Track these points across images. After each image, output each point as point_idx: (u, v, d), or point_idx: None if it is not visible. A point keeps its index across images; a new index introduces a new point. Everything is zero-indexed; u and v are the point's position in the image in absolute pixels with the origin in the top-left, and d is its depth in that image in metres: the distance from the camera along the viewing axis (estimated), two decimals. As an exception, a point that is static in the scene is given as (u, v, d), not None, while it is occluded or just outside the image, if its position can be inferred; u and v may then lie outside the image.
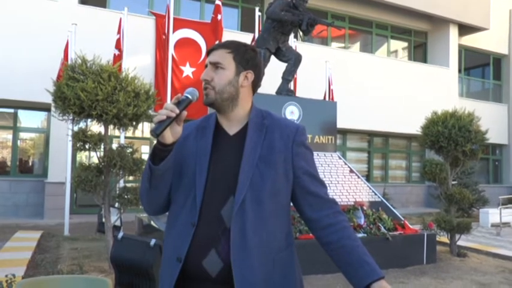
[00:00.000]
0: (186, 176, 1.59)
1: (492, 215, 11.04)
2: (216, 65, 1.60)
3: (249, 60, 1.65)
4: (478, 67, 19.61)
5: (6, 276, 3.47)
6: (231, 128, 1.64)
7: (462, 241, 7.56)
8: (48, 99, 5.57)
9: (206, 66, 1.64)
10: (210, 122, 1.67)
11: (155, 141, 1.52)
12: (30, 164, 12.23)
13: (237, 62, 1.62)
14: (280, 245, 1.57)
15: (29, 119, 11.90)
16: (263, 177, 1.54)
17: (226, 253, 1.48)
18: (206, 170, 1.57)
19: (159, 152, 1.52)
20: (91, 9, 11.48)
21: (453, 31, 17.07)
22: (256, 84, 1.69)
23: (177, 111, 1.47)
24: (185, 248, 1.51)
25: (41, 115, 11.83)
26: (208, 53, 1.67)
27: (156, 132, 1.44)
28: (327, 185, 6.82)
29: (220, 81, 1.59)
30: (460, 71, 17.86)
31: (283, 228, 1.60)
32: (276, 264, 1.54)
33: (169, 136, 1.50)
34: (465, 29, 17.29)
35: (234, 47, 1.64)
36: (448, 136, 7.04)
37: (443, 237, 7.37)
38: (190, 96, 1.54)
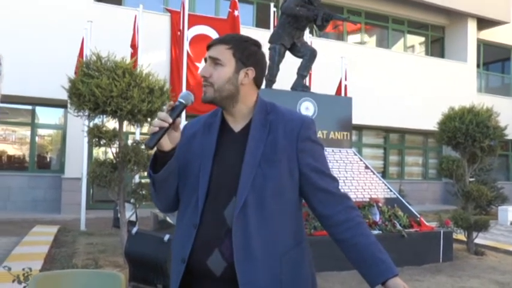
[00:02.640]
0: (190, 175, 1.57)
1: (511, 212, 10.84)
2: (215, 61, 1.56)
3: (250, 56, 1.58)
4: (497, 62, 19.24)
5: (23, 269, 3.52)
6: (236, 124, 1.61)
7: (480, 239, 7.43)
8: (65, 96, 5.63)
9: (205, 60, 1.59)
10: (217, 118, 1.63)
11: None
12: (48, 160, 12.42)
13: (237, 58, 1.56)
14: (287, 244, 1.53)
15: (46, 115, 12.08)
16: (265, 177, 1.50)
17: (229, 253, 1.46)
18: (209, 170, 1.54)
19: (160, 158, 1.51)
20: (106, 7, 11.58)
21: (471, 25, 16.78)
22: (259, 79, 1.63)
23: (170, 120, 1.45)
24: (188, 249, 1.50)
25: (58, 112, 11.98)
26: (207, 47, 1.61)
27: (150, 145, 1.44)
28: (342, 181, 6.67)
29: (218, 78, 1.54)
30: (478, 65, 17.56)
31: (291, 226, 1.56)
32: (283, 263, 1.50)
33: (167, 143, 1.48)
34: (484, 22, 16.96)
35: (235, 42, 1.58)
36: (466, 132, 6.92)
37: (460, 235, 7.25)
38: (184, 101, 1.51)
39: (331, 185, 1.61)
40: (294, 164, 1.55)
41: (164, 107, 5.73)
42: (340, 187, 1.66)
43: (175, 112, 1.48)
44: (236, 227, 1.47)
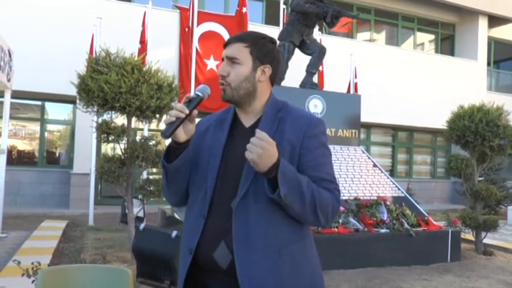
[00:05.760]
0: (201, 168, 1.60)
1: (520, 212, 10.75)
2: (232, 60, 1.58)
3: (267, 54, 1.61)
4: (508, 59, 19.03)
5: (32, 263, 3.55)
6: (248, 120, 1.63)
7: (488, 239, 7.37)
8: (74, 91, 5.66)
9: (223, 59, 1.61)
10: (229, 114, 1.66)
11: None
12: (57, 155, 12.52)
13: (254, 56, 1.59)
14: (290, 238, 1.53)
15: (55, 111, 12.17)
16: None
17: None
18: (218, 163, 1.56)
19: (173, 150, 1.54)
20: (116, 3, 11.62)
21: (482, 23, 16.60)
22: (274, 77, 1.66)
23: (187, 111, 1.47)
24: (195, 239, 1.53)
25: (68, 107, 12.06)
26: (224, 46, 1.63)
27: (166, 134, 1.46)
28: (350, 178, 6.59)
29: (236, 77, 1.57)
30: (489, 63, 17.39)
31: (292, 221, 1.53)
32: (284, 257, 1.50)
33: (183, 135, 1.51)
34: (495, 20, 16.80)
35: (252, 40, 1.60)
36: (475, 131, 6.85)
37: (469, 235, 7.20)
38: (201, 94, 1.54)
39: (324, 183, 1.55)
40: (294, 160, 1.54)
41: (173, 104, 5.76)
42: (339, 193, 1.59)
43: (192, 104, 1.50)
44: (236, 218, 1.48)
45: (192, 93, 1.57)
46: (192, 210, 1.60)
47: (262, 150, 1.37)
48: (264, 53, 1.60)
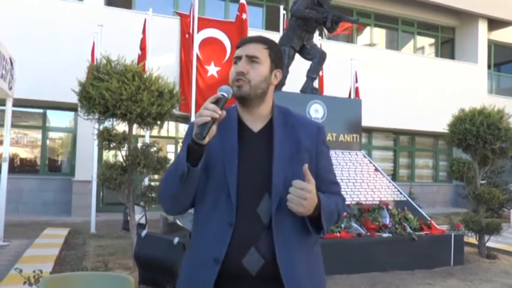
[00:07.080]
0: (214, 174, 1.56)
1: (524, 215, 10.70)
2: (252, 59, 1.59)
3: (280, 58, 1.67)
4: (509, 62, 19.04)
5: (34, 271, 3.55)
6: (254, 124, 1.63)
7: (491, 242, 7.35)
8: (75, 99, 5.67)
9: (238, 58, 1.60)
10: (232, 116, 1.63)
11: (180, 143, 1.53)
12: (59, 162, 12.52)
13: (272, 59, 1.63)
14: (313, 240, 1.62)
15: (57, 118, 12.18)
16: (295, 175, 1.51)
17: (266, 250, 1.49)
18: (236, 168, 1.54)
19: (194, 152, 1.47)
20: (116, 10, 11.67)
21: (482, 26, 16.64)
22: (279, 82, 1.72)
23: (219, 111, 1.44)
24: (224, 248, 1.49)
25: (69, 115, 12.08)
26: (239, 45, 1.63)
27: (203, 135, 1.41)
28: (352, 183, 6.62)
29: (256, 76, 1.58)
30: (489, 67, 17.40)
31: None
32: (312, 255, 1.60)
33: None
34: (495, 23, 16.84)
35: (269, 43, 1.65)
36: (476, 134, 6.85)
37: (472, 238, 7.18)
38: (226, 95, 1.51)
39: (335, 187, 1.72)
40: (313, 165, 1.60)
41: (174, 110, 5.76)
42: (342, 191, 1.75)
43: (219, 104, 1.47)
44: (275, 223, 1.51)
45: (218, 93, 1.51)
46: (212, 218, 1.54)
47: (305, 200, 1.43)
48: (279, 57, 1.66)
